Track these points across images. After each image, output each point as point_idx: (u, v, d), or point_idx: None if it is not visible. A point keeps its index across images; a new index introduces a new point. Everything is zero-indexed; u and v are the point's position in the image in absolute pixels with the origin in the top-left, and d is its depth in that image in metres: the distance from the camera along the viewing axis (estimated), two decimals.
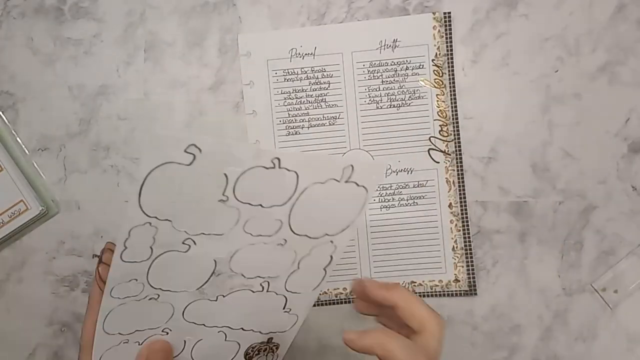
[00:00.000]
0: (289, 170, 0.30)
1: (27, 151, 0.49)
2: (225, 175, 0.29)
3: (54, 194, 0.49)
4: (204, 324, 0.36)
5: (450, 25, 0.47)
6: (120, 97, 0.49)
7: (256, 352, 0.38)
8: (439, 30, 0.48)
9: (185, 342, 0.36)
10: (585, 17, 0.47)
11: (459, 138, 0.48)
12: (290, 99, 0.48)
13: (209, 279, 0.33)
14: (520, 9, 0.48)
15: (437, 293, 0.48)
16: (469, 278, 0.47)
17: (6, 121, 0.48)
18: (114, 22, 0.48)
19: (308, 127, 0.48)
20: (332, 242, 0.34)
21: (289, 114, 0.48)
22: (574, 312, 0.47)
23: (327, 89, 0.48)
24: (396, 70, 0.48)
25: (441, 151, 0.48)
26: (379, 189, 0.48)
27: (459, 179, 0.48)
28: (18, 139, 0.49)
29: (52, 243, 0.49)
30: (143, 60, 0.48)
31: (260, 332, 0.37)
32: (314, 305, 0.48)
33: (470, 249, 0.47)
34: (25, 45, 0.49)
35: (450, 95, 0.48)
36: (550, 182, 0.47)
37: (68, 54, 0.49)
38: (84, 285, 0.49)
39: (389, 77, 0.48)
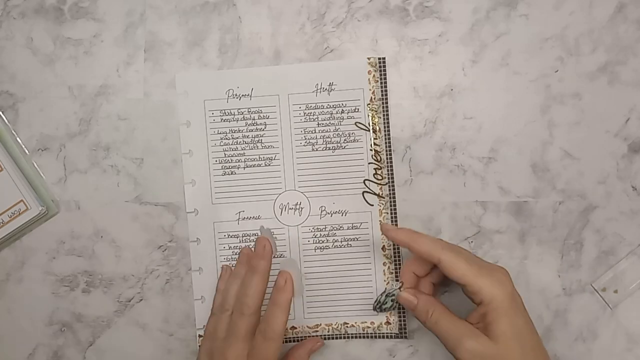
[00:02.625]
0: None
1: (27, 151, 0.49)
2: None
3: (54, 194, 0.49)
4: None
5: (384, 69, 0.48)
6: (120, 97, 0.49)
7: None
8: (373, 75, 0.48)
9: None
10: (585, 17, 0.47)
11: (393, 182, 0.47)
12: (226, 139, 0.48)
13: None
14: (520, 9, 0.48)
15: (369, 335, 0.48)
16: (400, 321, 0.47)
17: (6, 121, 0.49)
18: (114, 22, 0.48)
19: (244, 168, 0.48)
20: None
21: (225, 154, 0.48)
22: (574, 312, 0.47)
23: (263, 129, 0.48)
24: (332, 113, 0.48)
25: (375, 194, 0.47)
26: (313, 230, 0.48)
27: (392, 222, 0.47)
28: (18, 139, 0.49)
29: (52, 243, 0.49)
30: (143, 60, 0.48)
31: None
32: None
33: None
34: (25, 45, 0.49)
35: (385, 139, 0.47)
36: (550, 182, 0.47)
37: (68, 54, 0.49)
38: (84, 285, 0.49)
39: (324, 120, 0.48)
